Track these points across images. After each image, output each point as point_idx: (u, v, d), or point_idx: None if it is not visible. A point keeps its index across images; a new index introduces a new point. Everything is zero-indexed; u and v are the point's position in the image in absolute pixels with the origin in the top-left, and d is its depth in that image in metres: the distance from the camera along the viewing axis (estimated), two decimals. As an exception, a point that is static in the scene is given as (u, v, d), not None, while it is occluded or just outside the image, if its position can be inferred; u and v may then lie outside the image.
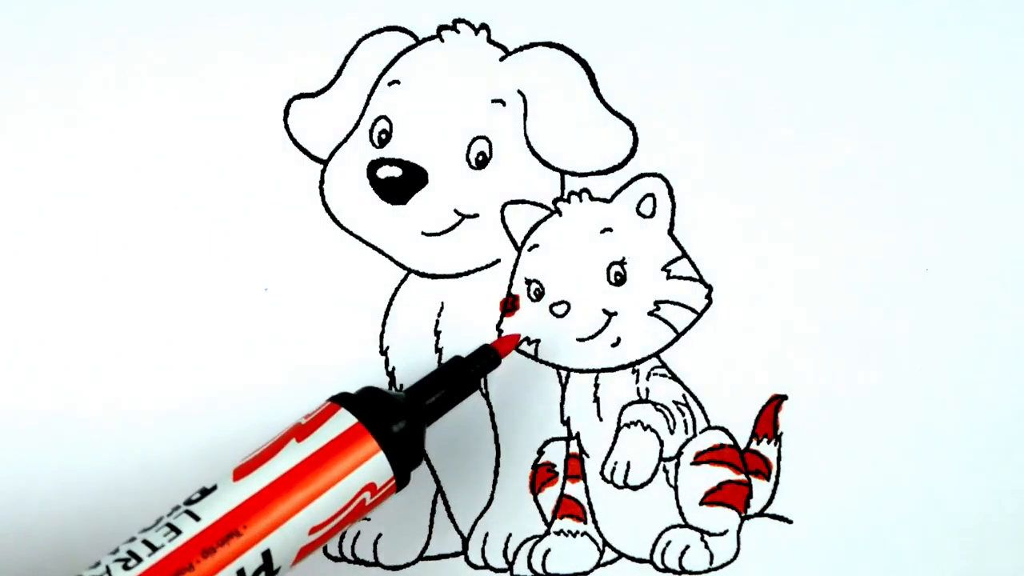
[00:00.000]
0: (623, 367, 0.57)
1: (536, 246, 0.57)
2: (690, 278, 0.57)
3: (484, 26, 0.56)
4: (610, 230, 0.57)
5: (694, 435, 0.57)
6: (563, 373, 0.57)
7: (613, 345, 0.57)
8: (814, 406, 0.57)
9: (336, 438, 0.49)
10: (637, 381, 0.57)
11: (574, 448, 0.58)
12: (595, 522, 0.58)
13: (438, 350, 0.57)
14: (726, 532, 0.58)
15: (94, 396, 0.57)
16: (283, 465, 0.48)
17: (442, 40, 0.56)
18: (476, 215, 0.57)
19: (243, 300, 0.57)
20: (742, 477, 0.57)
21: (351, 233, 0.57)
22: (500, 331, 0.57)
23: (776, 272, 0.57)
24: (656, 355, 0.57)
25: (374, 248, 0.57)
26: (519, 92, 0.56)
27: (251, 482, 0.48)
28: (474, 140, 0.56)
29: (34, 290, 0.57)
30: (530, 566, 0.58)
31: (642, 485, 0.57)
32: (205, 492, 0.48)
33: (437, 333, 0.57)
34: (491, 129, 0.56)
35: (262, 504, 0.47)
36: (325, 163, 0.57)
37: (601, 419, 0.57)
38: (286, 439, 0.49)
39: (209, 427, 0.57)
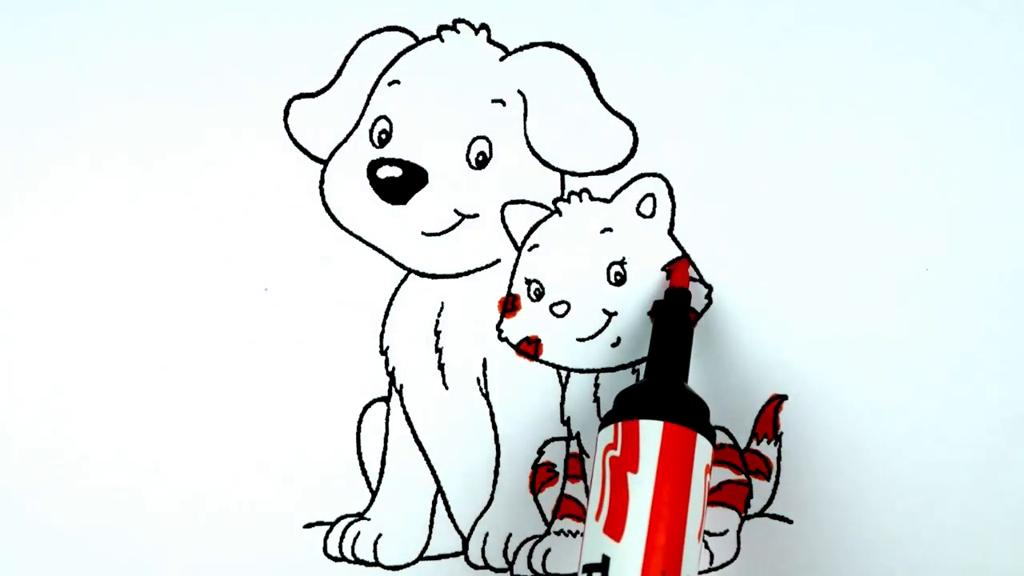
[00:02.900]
0: (623, 367, 0.57)
1: (536, 246, 0.57)
2: (690, 278, 0.57)
3: (484, 26, 0.56)
4: (610, 230, 0.57)
5: (694, 435, 0.57)
6: (563, 373, 0.57)
7: (613, 345, 0.57)
8: (814, 406, 0.57)
9: (662, 450, 0.50)
10: (637, 381, 0.57)
11: (574, 448, 0.58)
12: (595, 522, 0.58)
13: (438, 350, 0.57)
14: (726, 532, 0.58)
15: (94, 395, 0.57)
16: (644, 502, 0.49)
17: (442, 40, 0.56)
18: (476, 215, 0.57)
19: (243, 300, 0.57)
20: (742, 477, 0.57)
21: (351, 233, 0.57)
22: (500, 331, 0.57)
23: (776, 272, 0.57)
24: (656, 355, 0.57)
25: (374, 248, 0.57)
26: (519, 92, 0.56)
27: (633, 532, 0.49)
28: (474, 140, 0.56)
29: (35, 289, 0.57)
30: (530, 566, 0.58)
31: (642, 485, 0.57)
32: (600, 567, 0.49)
33: (437, 333, 0.57)
34: (491, 129, 0.56)
35: (658, 546, 0.48)
36: (325, 163, 0.57)
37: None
38: (621, 476, 0.50)
39: (209, 426, 0.57)
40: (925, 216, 0.57)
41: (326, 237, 0.57)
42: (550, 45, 0.56)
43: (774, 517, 0.58)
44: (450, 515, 0.58)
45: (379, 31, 0.56)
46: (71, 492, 0.57)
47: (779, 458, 0.57)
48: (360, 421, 0.57)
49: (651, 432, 0.50)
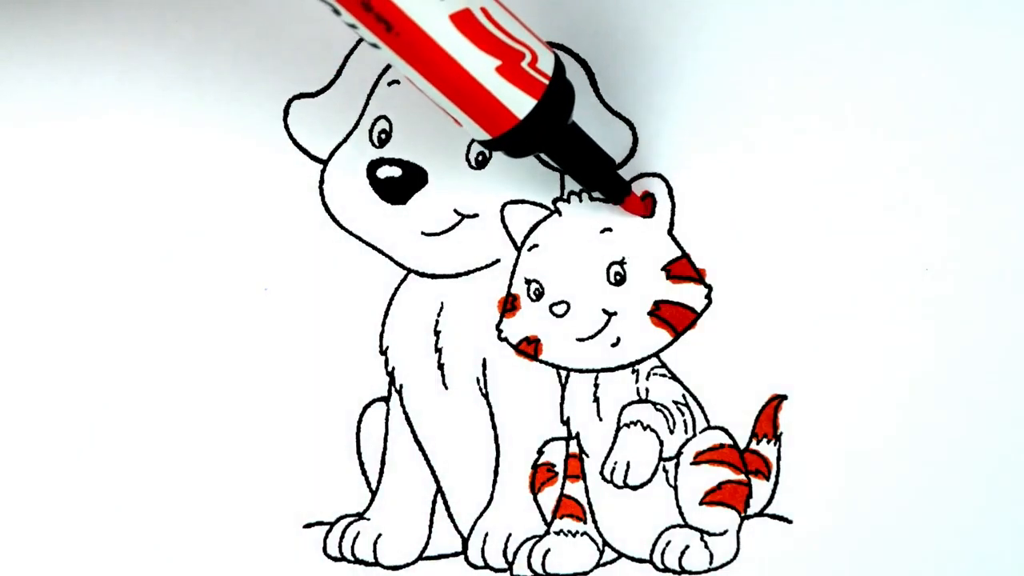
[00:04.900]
0: (623, 367, 0.57)
1: (536, 246, 0.57)
2: (690, 278, 0.57)
3: (484, 26, 0.56)
4: (610, 230, 0.57)
5: (694, 435, 0.57)
6: (563, 373, 0.57)
7: (613, 345, 0.57)
8: (814, 406, 0.57)
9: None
10: (637, 381, 0.57)
11: (574, 448, 0.58)
12: (595, 522, 0.58)
13: (438, 350, 0.57)
14: (726, 532, 0.58)
15: (93, 395, 0.57)
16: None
17: (442, 40, 0.56)
18: (476, 215, 0.57)
19: (243, 300, 0.57)
20: (742, 477, 0.57)
21: (351, 233, 0.57)
22: (500, 331, 0.57)
23: (776, 272, 0.57)
24: (656, 355, 0.57)
25: (374, 248, 0.57)
26: (519, 92, 0.56)
27: None
28: (474, 140, 0.56)
29: (33, 290, 0.57)
30: (530, 566, 0.58)
31: (642, 485, 0.57)
32: None
33: (437, 333, 0.57)
34: (491, 129, 0.56)
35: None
36: (325, 163, 0.57)
37: (601, 419, 0.57)
38: None
39: (208, 426, 0.57)
40: (925, 216, 0.57)
41: (326, 237, 0.57)
42: (550, 45, 0.56)
43: (774, 517, 0.58)
44: (450, 515, 0.58)
45: (379, 31, 0.56)
46: (69, 492, 0.57)
47: (779, 458, 0.57)
48: (360, 421, 0.57)
49: None
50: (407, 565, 0.58)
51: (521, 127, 0.47)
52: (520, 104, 0.47)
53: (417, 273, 0.57)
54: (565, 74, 0.48)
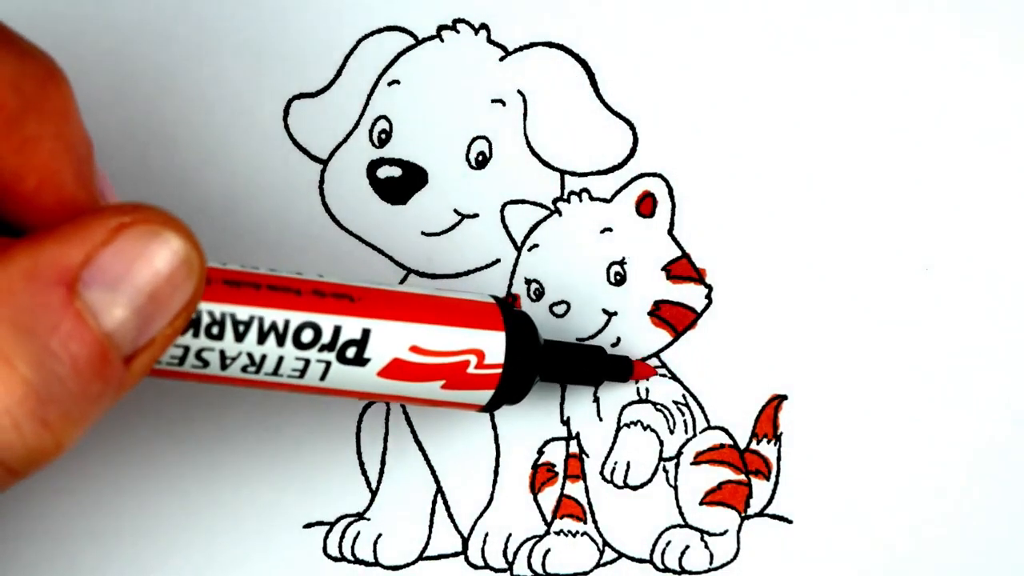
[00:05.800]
0: (623, 367, 0.57)
1: (536, 246, 0.57)
2: (690, 278, 0.57)
3: (484, 26, 0.56)
4: (610, 230, 0.57)
5: (694, 435, 0.57)
6: (563, 373, 0.57)
7: (613, 345, 0.57)
8: (814, 406, 0.57)
9: (471, 301, 0.48)
10: (637, 381, 0.57)
11: (574, 448, 0.58)
12: (595, 522, 0.58)
13: (438, 350, 0.57)
14: (726, 532, 0.58)
15: (94, 396, 0.57)
16: (411, 291, 0.47)
17: (442, 40, 0.56)
18: (476, 215, 0.57)
19: (243, 300, 0.57)
20: (742, 477, 0.57)
21: (351, 233, 0.57)
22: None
23: (776, 272, 0.57)
24: (656, 355, 0.57)
25: (374, 248, 0.57)
26: (519, 92, 0.56)
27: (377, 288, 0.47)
28: (474, 140, 0.56)
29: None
30: (530, 566, 0.58)
31: (642, 485, 0.57)
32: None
33: (437, 333, 0.57)
34: (491, 129, 0.56)
35: (384, 295, 0.46)
36: (325, 163, 0.57)
37: (601, 419, 0.57)
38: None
39: (208, 425, 0.57)
40: (925, 216, 0.57)
41: (326, 237, 0.57)
42: (550, 45, 0.56)
43: (774, 517, 0.58)
44: (450, 515, 0.58)
45: (379, 31, 0.56)
46: (69, 490, 0.57)
47: (779, 458, 0.57)
48: (360, 421, 0.57)
49: (484, 304, 0.50)
50: (407, 565, 0.58)
51: (493, 402, 0.50)
52: (478, 398, 0.49)
53: (417, 273, 0.57)
54: (519, 356, 0.49)
